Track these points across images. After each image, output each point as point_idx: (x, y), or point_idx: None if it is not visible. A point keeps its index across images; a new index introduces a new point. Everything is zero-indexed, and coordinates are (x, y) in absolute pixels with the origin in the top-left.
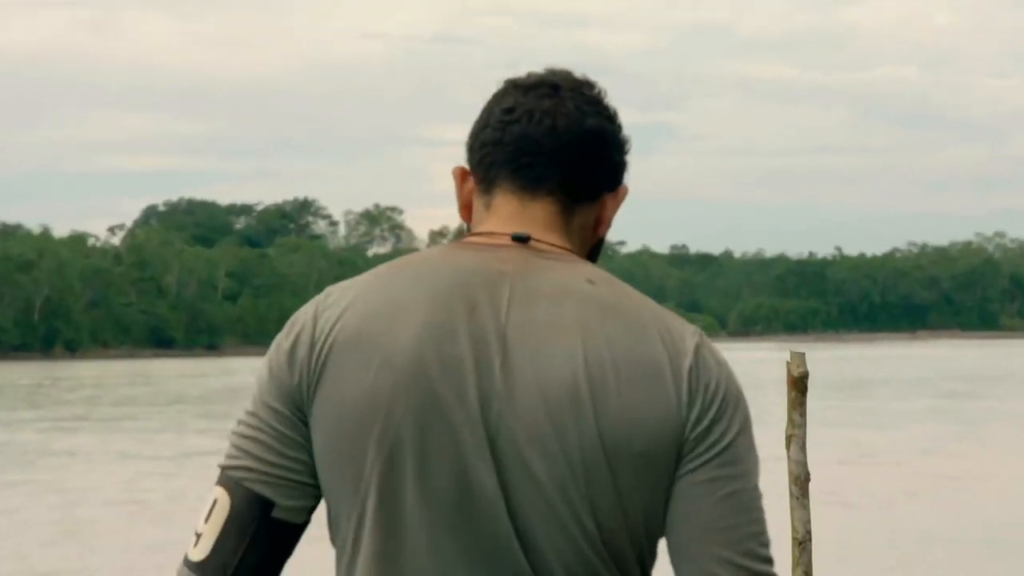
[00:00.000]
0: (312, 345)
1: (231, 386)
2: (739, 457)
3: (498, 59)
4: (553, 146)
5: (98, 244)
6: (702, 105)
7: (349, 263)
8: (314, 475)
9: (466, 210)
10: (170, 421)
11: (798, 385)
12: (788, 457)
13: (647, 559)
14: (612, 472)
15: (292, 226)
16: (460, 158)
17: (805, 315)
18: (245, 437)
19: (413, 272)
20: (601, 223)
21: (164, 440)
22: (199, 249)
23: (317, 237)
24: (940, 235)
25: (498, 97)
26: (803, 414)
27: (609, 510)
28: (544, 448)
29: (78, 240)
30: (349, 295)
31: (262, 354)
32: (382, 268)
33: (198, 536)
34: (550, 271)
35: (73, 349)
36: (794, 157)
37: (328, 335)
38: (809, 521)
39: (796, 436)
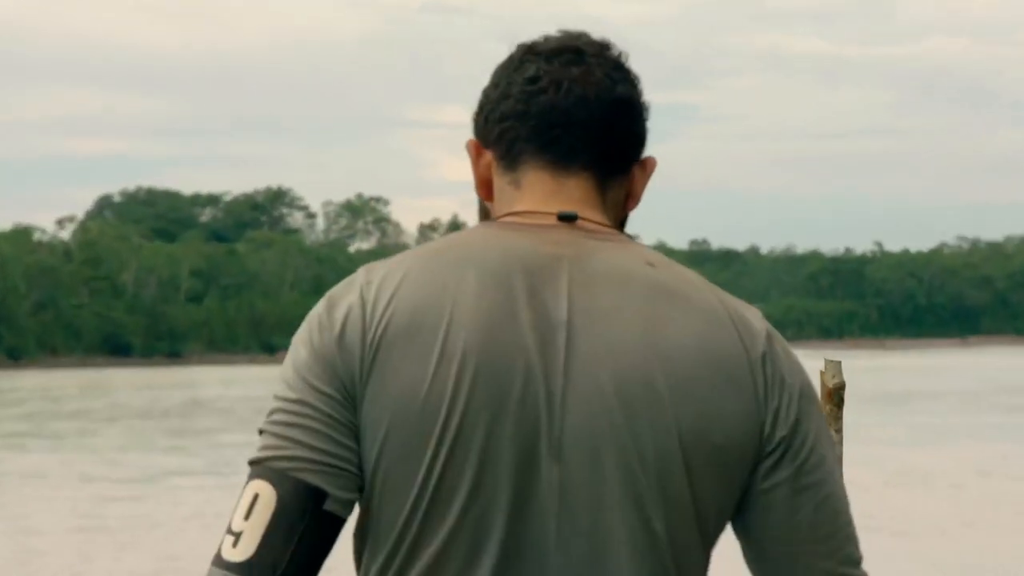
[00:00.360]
0: (364, 332)
1: (198, 399)
2: (824, 457)
3: (494, 30)
4: (584, 118)
5: (45, 239)
6: (725, 83)
7: (328, 260)
8: (361, 466)
9: (484, 188)
10: (133, 438)
11: (834, 398)
12: None
13: (706, 563)
14: (687, 469)
15: (264, 219)
16: (452, 142)
17: (841, 319)
18: (289, 425)
19: (461, 254)
20: (631, 198)
21: (128, 459)
22: (159, 244)
23: (292, 231)
24: (994, 229)
25: (515, 64)
26: (839, 430)
27: (681, 509)
28: (616, 441)
29: (21, 234)
30: (395, 277)
31: (230, 363)
32: (421, 250)
33: (236, 535)
34: (606, 253)
35: (17, 357)
36: (828, 141)
37: (381, 319)
38: None
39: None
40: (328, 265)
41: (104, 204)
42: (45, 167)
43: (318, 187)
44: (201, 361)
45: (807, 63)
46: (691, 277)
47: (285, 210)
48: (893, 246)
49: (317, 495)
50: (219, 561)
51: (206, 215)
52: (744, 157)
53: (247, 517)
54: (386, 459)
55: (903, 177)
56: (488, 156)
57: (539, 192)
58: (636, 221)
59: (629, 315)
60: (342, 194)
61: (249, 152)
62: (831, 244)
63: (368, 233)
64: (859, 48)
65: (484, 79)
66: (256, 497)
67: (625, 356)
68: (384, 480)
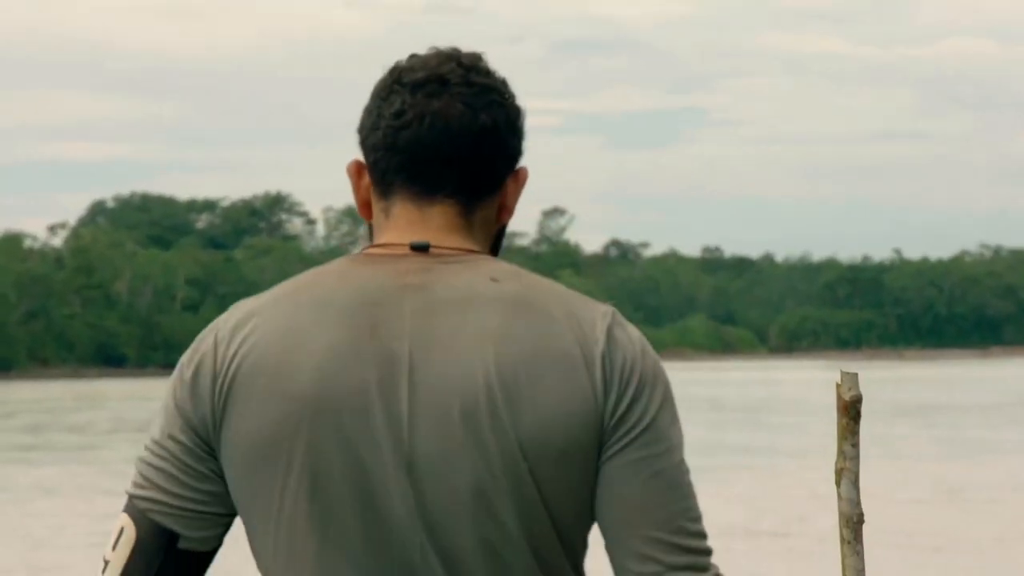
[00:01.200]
0: (215, 376)
1: None
2: (661, 435)
3: (500, 32)
4: (447, 151)
5: (36, 246)
6: (738, 85)
7: None
8: (222, 504)
9: (365, 208)
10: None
11: (850, 411)
12: (838, 495)
13: (579, 554)
14: (534, 474)
15: (262, 225)
16: None
17: (858, 329)
18: (151, 466)
19: (313, 294)
20: (503, 210)
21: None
22: (154, 252)
23: (291, 238)
24: (1018, 236)
25: (384, 93)
26: (856, 444)
27: (536, 517)
28: (462, 461)
29: (12, 241)
30: (252, 320)
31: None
32: (281, 289)
33: (106, 563)
34: (452, 277)
35: (7, 368)
36: (846, 146)
37: (230, 365)
38: (863, 571)
39: (848, 471)
40: None
41: (97, 210)
42: (36, 172)
43: (318, 192)
44: None
45: (823, 65)
46: (537, 284)
47: (284, 216)
48: (912, 254)
49: (171, 536)
50: None
51: (202, 221)
52: (758, 162)
53: (114, 548)
54: (243, 498)
55: (923, 182)
56: (368, 179)
57: (403, 222)
58: (644, 228)
59: (469, 336)
60: (343, 200)
61: (247, 156)
62: (848, 252)
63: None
64: (877, 49)
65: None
66: (122, 530)
67: (463, 378)
68: (247, 518)
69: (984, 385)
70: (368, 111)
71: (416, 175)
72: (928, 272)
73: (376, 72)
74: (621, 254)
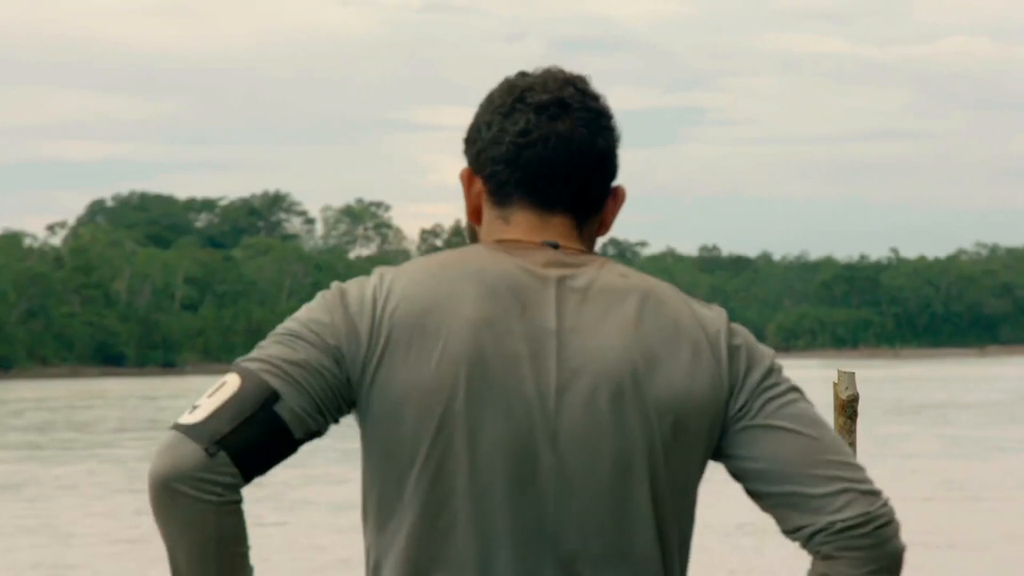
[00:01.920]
0: (372, 326)
1: None
2: (795, 396)
3: (498, 31)
4: (567, 171)
5: (35, 245)
6: (736, 85)
7: (327, 267)
8: (322, 412)
9: (475, 214)
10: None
11: (847, 410)
12: None
13: (691, 533)
14: (665, 448)
15: (261, 224)
16: (454, 145)
17: (856, 328)
18: (275, 343)
19: (462, 269)
20: (603, 226)
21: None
22: (153, 251)
23: (290, 237)
24: (1014, 235)
25: (506, 109)
26: (853, 443)
27: (661, 486)
28: (603, 434)
29: (11, 240)
30: (403, 281)
31: (225, 373)
32: (425, 260)
33: (195, 408)
34: (586, 272)
35: (7, 367)
36: (843, 145)
37: (389, 319)
38: None
39: None
40: (327, 272)
41: (96, 209)
42: (35, 171)
43: (317, 192)
44: (196, 371)
45: (821, 64)
46: (661, 284)
47: (283, 215)
48: (909, 253)
49: (271, 394)
50: (175, 423)
51: (201, 220)
52: (756, 161)
53: (210, 396)
54: (386, 442)
55: (920, 181)
56: (479, 185)
57: (525, 227)
58: (643, 227)
59: (610, 322)
60: (341, 199)
61: (246, 156)
62: (845, 251)
63: (368, 239)
64: (874, 49)
65: (487, 82)
66: (223, 384)
67: (608, 360)
68: (382, 459)
69: (982, 383)
70: (486, 124)
71: (536, 190)
72: (925, 271)
73: (375, 70)
74: (619, 253)
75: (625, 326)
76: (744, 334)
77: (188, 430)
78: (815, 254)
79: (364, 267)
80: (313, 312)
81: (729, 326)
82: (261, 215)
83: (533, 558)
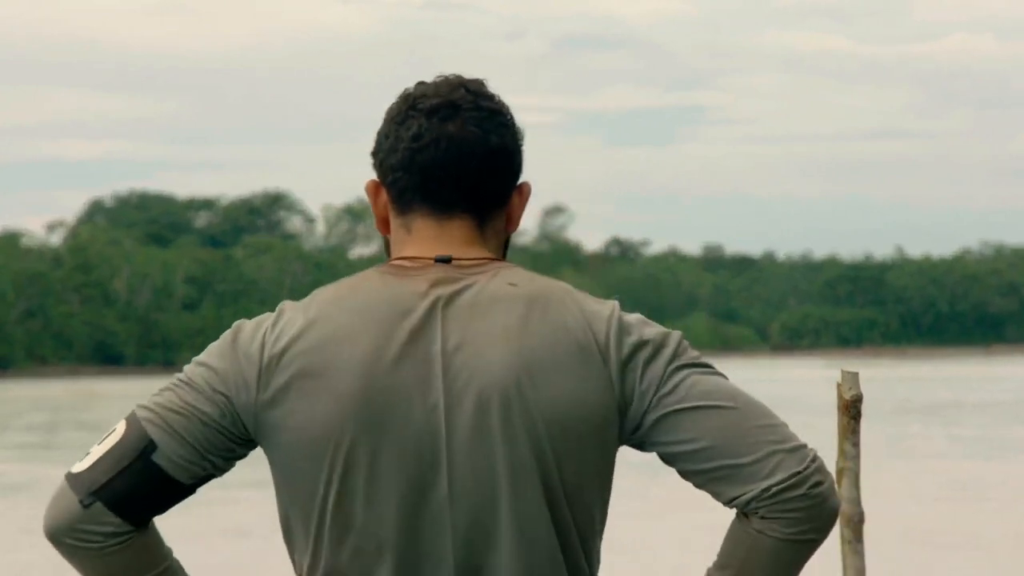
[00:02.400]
0: (260, 371)
1: None
2: (699, 374)
3: (499, 29)
4: (461, 171)
5: (33, 244)
6: (738, 83)
7: (328, 266)
8: (207, 459)
9: (383, 224)
10: None
11: (850, 410)
12: (839, 495)
13: (593, 539)
14: (556, 455)
15: (261, 223)
16: None
17: (860, 327)
18: (166, 390)
19: (353, 302)
20: (510, 222)
21: None
22: (152, 250)
23: (291, 236)
24: (1020, 234)
25: (400, 118)
26: (856, 444)
27: (557, 494)
28: (494, 445)
29: (10, 240)
30: (298, 325)
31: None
32: (322, 295)
33: (87, 454)
34: (475, 284)
35: (5, 367)
36: (847, 144)
37: (278, 363)
38: (864, 570)
39: (848, 470)
40: (328, 271)
41: (95, 208)
42: (34, 170)
43: (317, 190)
44: None
45: (823, 62)
46: (552, 288)
47: (283, 214)
48: (914, 252)
49: (150, 444)
50: (67, 471)
51: (201, 219)
52: (759, 160)
53: (100, 444)
54: (289, 485)
55: (924, 180)
56: (385, 196)
57: (424, 237)
58: (646, 227)
59: (493, 334)
60: (342, 198)
61: (245, 155)
62: (850, 250)
63: (369, 238)
64: (877, 47)
65: (491, 80)
66: (112, 432)
67: (493, 372)
68: (289, 503)
69: (988, 383)
70: (384, 135)
71: (433, 194)
72: (930, 270)
73: (375, 69)
74: (622, 252)
75: (509, 337)
76: (638, 326)
77: (72, 479)
78: (819, 253)
79: (365, 266)
80: (208, 357)
81: (621, 323)
82: (261, 214)
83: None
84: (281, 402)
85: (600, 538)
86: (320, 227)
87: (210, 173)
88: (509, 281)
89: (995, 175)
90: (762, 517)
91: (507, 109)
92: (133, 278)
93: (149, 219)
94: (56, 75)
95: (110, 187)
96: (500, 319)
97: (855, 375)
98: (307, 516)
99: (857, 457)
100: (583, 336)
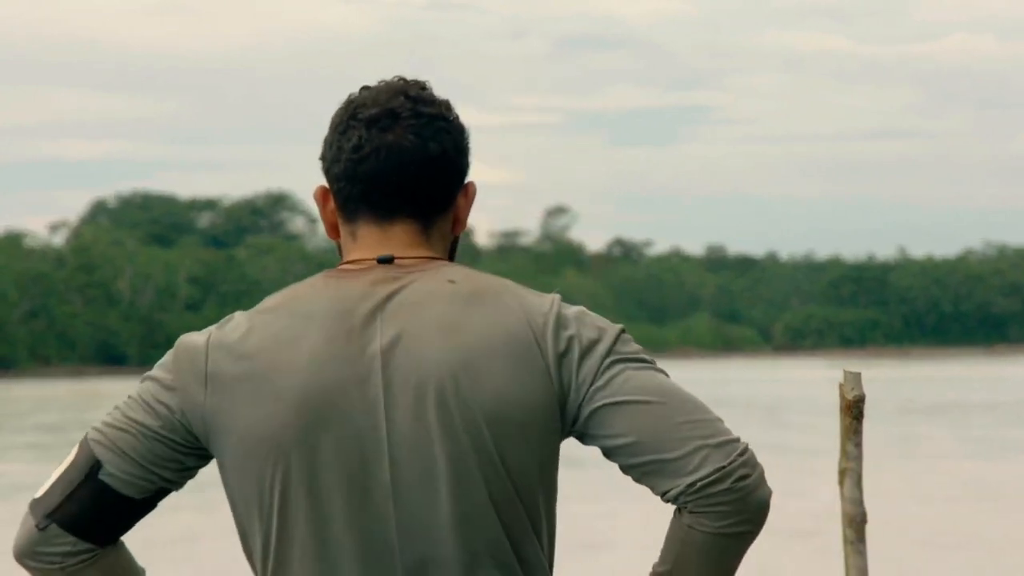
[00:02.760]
0: (204, 381)
1: None
2: (636, 368)
3: (503, 29)
4: (402, 180)
5: (36, 245)
6: (739, 83)
7: (330, 266)
8: (155, 473)
9: (332, 229)
10: None
11: (852, 410)
12: (841, 495)
13: (543, 528)
14: (497, 447)
15: (264, 224)
16: None
17: (863, 327)
18: (113, 428)
19: (296, 307)
20: (457, 223)
21: None
22: (155, 250)
23: (293, 237)
24: (1022, 234)
25: (342, 127)
26: (859, 444)
27: (501, 485)
28: (433, 439)
29: (12, 240)
30: (241, 330)
31: None
32: (269, 302)
33: (48, 479)
34: (415, 282)
35: (8, 367)
36: (849, 144)
37: (221, 372)
38: (867, 571)
39: (851, 471)
40: None
41: (98, 209)
42: (36, 170)
43: None
44: None
45: (824, 63)
46: (491, 282)
47: (286, 215)
48: (917, 252)
49: (96, 464)
50: (31, 498)
51: (204, 220)
52: (761, 160)
53: (57, 468)
54: (236, 488)
55: (927, 180)
56: (332, 203)
57: (368, 242)
58: (648, 227)
59: (431, 331)
60: None
61: (248, 155)
62: (853, 250)
63: None
64: (878, 47)
65: (490, 80)
66: (70, 455)
67: (430, 366)
68: (241, 506)
69: (991, 383)
70: (328, 143)
71: (376, 202)
72: (933, 270)
73: (376, 69)
74: (624, 252)
75: (446, 332)
76: (576, 319)
77: (32, 505)
78: (822, 254)
79: None
80: (155, 370)
81: (559, 316)
82: (264, 214)
83: (381, 573)
84: (227, 406)
85: (551, 525)
86: (322, 228)
87: (212, 173)
88: (448, 278)
89: (998, 175)
90: (691, 512)
91: (449, 112)
92: (136, 278)
93: (152, 219)
94: (57, 75)
95: (111, 187)
96: (437, 314)
97: (857, 375)
98: (258, 517)
99: (860, 458)
100: (521, 330)
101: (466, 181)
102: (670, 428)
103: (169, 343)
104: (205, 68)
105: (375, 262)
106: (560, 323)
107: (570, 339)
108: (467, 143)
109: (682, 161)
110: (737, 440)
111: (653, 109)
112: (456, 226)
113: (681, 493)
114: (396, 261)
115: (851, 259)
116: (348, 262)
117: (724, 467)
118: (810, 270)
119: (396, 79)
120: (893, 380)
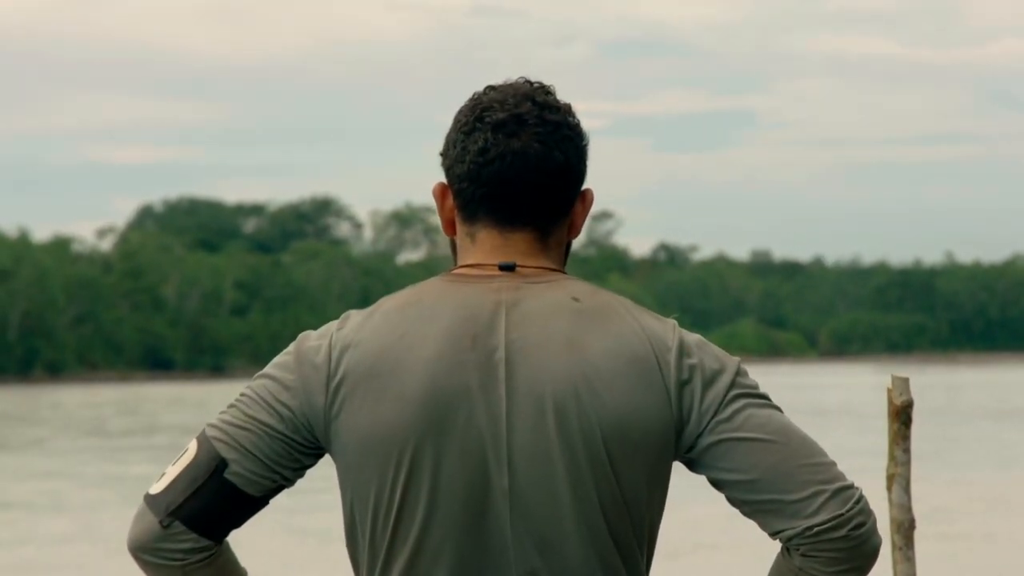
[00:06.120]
0: (327, 379)
1: None
2: (754, 405)
3: (547, 35)
4: (525, 186)
5: (84, 250)
6: (787, 88)
7: (376, 272)
8: (276, 471)
9: (449, 226)
10: None
11: (901, 416)
12: (889, 501)
13: (646, 547)
14: (613, 466)
15: (310, 229)
16: None
17: (910, 333)
18: (235, 426)
19: (419, 309)
20: (572, 230)
21: None
22: (202, 255)
23: (339, 242)
24: None
25: (468, 128)
26: (907, 450)
27: (614, 504)
28: (553, 453)
29: (61, 245)
30: (359, 330)
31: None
32: (387, 303)
33: (163, 475)
34: (539, 294)
35: (56, 372)
36: (897, 148)
37: (343, 370)
38: None
39: (899, 476)
40: (376, 277)
41: (145, 214)
42: (84, 175)
43: (365, 196)
44: (244, 376)
45: (874, 66)
46: (613, 303)
47: (331, 220)
48: (964, 257)
49: (221, 463)
50: (145, 493)
51: (250, 225)
52: (807, 165)
53: (173, 464)
54: (354, 486)
55: (974, 185)
56: (451, 201)
57: (488, 247)
58: (693, 232)
59: (554, 344)
60: (390, 203)
61: (294, 160)
62: (899, 255)
63: (417, 244)
64: (929, 50)
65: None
66: (185, 452)
67: (554, 378)
68: (357, 504)
69: None
70: (452, 142)
71: (498, 208)
72: (980, 276)
73: (422, 76)
74: (669, 257)
75: (570, 347)
76: (699, 348)
77: (150, 501)
78: (868, 259)
79: (413, 272)
80: (272, 369)
81: (682, 343)
82: (309, 219)
83: None
84: (348, 406)
85: (652, 545)
86: (368, 233)
87: (259, 179)
88: (572, 294)
89: None
90: (803, 555)
91: (572, 118)
92: (182, 283)
93: (198, 224)
94: (107, 81)
95: (160, 192)
96: (560, 328)
97: (906, 380)
98: (372, 517)
99: (908, 463)
100: (643, 351)
101: (583, 187)
102: (791, 470)
103: (215, 348)
104: (253, 74)
105: (496, 268)
106: (683, 350)
107: (692, 368)
108: (587, 148)
109: (728, 166)
110: (852, 486)
111: (699, 114)
112: (571, 232)
113: (797, 535)
114: (518, 269)
115: (897, 264)
116: (467, 265)
117: (842, 514)
118: (856, 275)
119: (521, 80)
120: (940, 386)
